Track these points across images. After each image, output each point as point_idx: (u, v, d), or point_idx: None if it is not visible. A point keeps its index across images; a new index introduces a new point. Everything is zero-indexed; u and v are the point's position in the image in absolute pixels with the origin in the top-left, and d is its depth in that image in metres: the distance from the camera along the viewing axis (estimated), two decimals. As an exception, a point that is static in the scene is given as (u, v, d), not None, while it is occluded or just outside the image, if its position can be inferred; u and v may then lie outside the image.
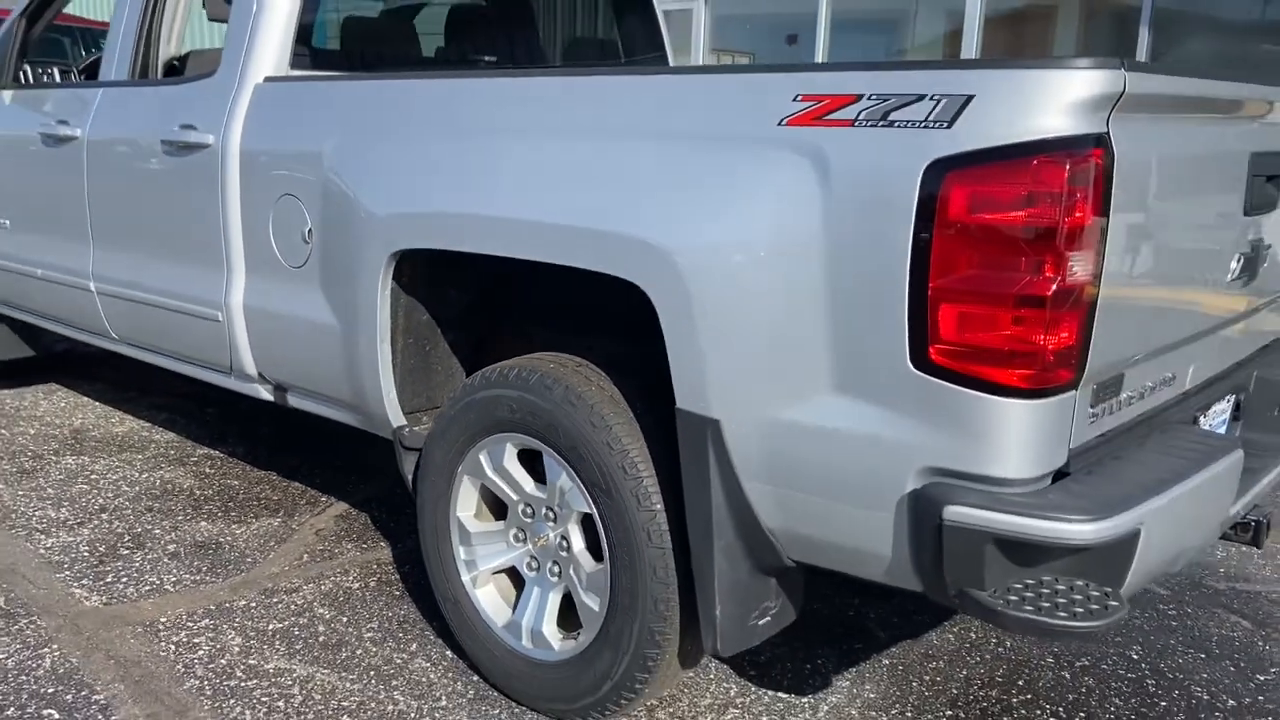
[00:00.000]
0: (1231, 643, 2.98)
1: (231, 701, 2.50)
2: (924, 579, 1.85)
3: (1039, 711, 2.60)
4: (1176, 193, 1.97)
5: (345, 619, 2.91)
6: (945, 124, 1.71)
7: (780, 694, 2.63)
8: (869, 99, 1.80)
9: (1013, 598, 1.76)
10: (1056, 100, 1.66)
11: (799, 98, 1.89)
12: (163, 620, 2.87)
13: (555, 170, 2.23)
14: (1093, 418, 1.88)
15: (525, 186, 2.28)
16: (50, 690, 2.52)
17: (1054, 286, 1.67)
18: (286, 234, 2.88)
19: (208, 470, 4.00)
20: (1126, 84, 1.67)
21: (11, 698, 2.48)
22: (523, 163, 2.31)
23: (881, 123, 1.78)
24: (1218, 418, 2.49)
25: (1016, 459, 1.75)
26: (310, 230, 2.80)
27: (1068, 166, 1.65)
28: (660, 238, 2.02)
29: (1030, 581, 1.79)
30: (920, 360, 1.77)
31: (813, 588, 3.09)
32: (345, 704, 2.51)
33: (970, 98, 1.70)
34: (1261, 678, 2.81)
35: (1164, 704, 2.66)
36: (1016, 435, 1.74)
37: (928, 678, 2.73)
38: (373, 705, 2.50)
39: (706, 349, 1.99)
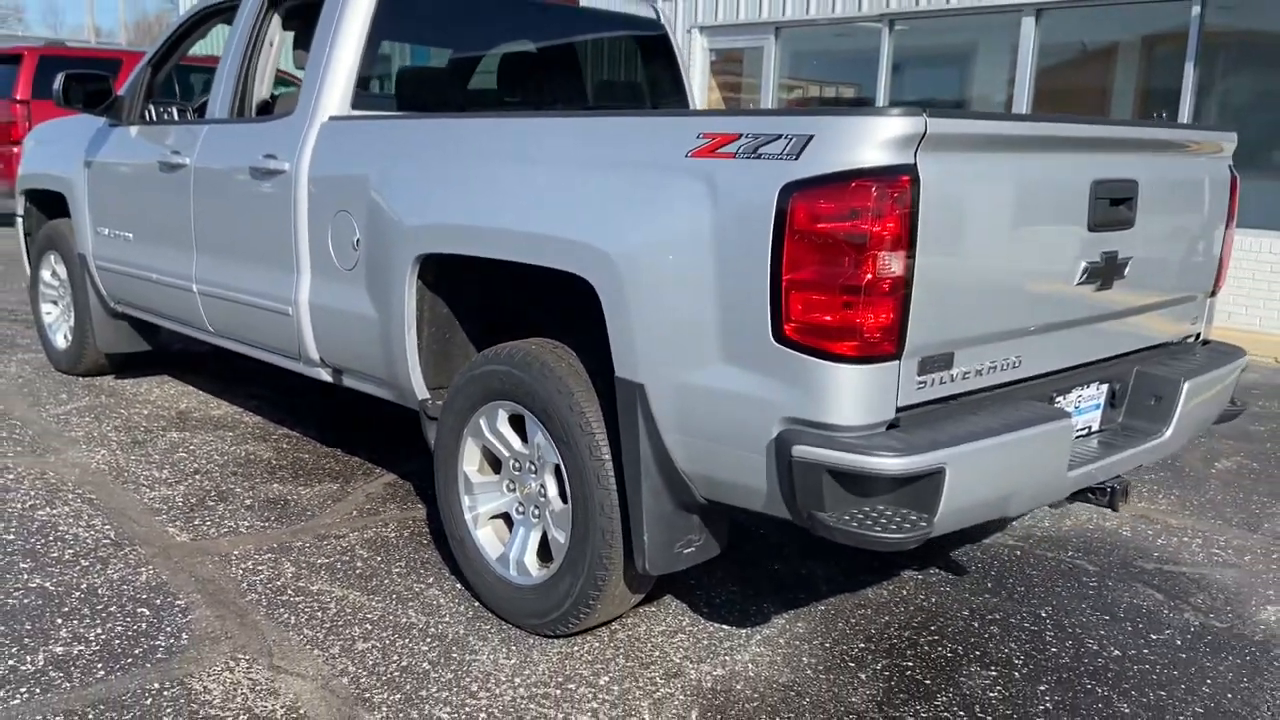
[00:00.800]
0: (1138, 610, 3.41)
1: (281, 610, 3.16)
2: (788, 506, 2.40)
3: (941, 649, 3.09)
4: (1001, 210, 2.48)
5: (379, 559, 3.55)
6: (794, 156, 2.27)
7: (724, 625, 3.17)
8: (745, 137, 2.38)
9: (845, 518, 2.29)
10: (873, 139, 2.21)
11: (701, 135, 2.47)
12: (235, 553, 3.56)
13: (529, 190, 2.86)
14: (920, 384, 2.41)
15: (507, 203, 2.91)
16: (144, 596, 3.22)
17: (868, 279, 2.22)
18: (341, 243, 3.56)
19: (284, 446, 4.72)
20: (928, 127, 2.22)
21: (115, 600, 3.18)
22: (506, 185, 2.94)
23: (753, 155, 2.35)
24: (1087, 401, 2.96)
25: (849, 410, 2.29)
26: (358, 240, 3.48)
27: (877, 189, 2.19)
28: (601, 242, 2.62)
29: (864, 506, 2.32)
30: (779, 336, 2.32)
31: (775, 551, 3.63)
32: (369, 616, 3.14)
33: (811, 136, 2.26)
34: (1155, 637, 3.24)
35: (1054, 650, 3.12)
36: (848, 392, 2.29)
37: (853, 621, 3.24)
38: (390, 618, 3.13)
39: (635, 328, 2.58)
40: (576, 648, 3.00)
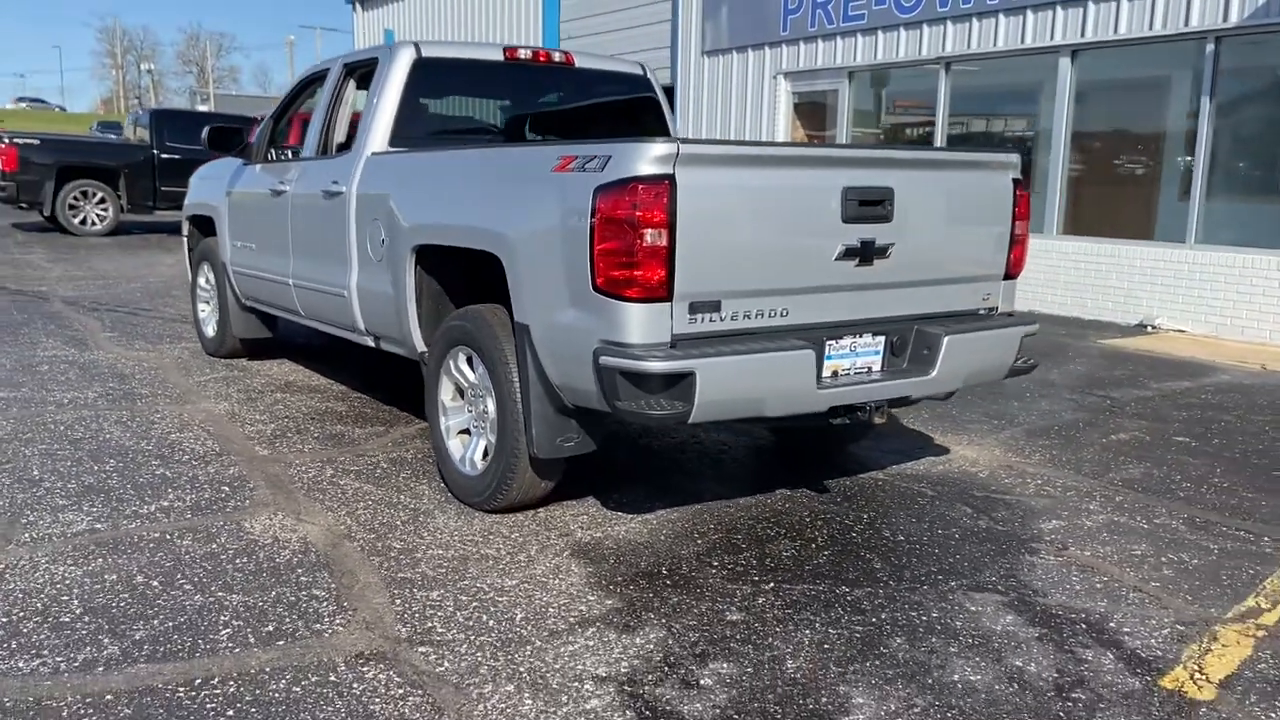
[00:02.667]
0: (942, 516, 4.46)
1: (315, 492, 4.56)
2: (603, 399, 3.64)
3: (766, 529, 4.24)
4: (755, 205, 3.67)
5: (394, 468, 4.94)
6: (601, 169, 3.54)
7: (618, 513, 4.40)
8: (580, 158, 3.66)
9: (631, 404, 3.52)
10: (645, 157, 3.46)
11: (559, 158, 3.77)
12: (296, 462, 5.01)
13: (469, 198, 4.23)
14: (692, 320, 3.61)
15: (458, 207, 4.28)
16: (227, 480, 4.69)
17: (643, 248, 3.46)
18: (374, 242, 5.00)
19: (355, 404, 6.20)
20: (680, 149, 3.46)
21: (209, 483, 4.66)
22: (458, 194, 4.32)
23: (582, 169, 3.63)
24: (863, 347, 4.07)
25: (635, 334, 3.52)
26: (383, 239, 4.91)
27: (646, 190, 3.43)
28: (502, 229, 3.95)
29: (645, 397, 3.54)
30: (595, 286, 3.57)
31: (687, 475, 4.76)
32: (372, 497, 4.51)
33: (610, 156, 3.53)
34: (940, 531, 4.29)
35: (854, 535, 4.22)
36: (634, 323, 3.52)
37: (715, 514, 4.42)
38: (386, 499, 4.49)
39: (522, 286, 3.89)
40: (505, 518, 4.29)
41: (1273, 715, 2.93)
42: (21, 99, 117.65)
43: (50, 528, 4.05)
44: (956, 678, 3.08)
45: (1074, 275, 10.52)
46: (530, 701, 2.88)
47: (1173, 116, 10.06)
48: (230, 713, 2.79)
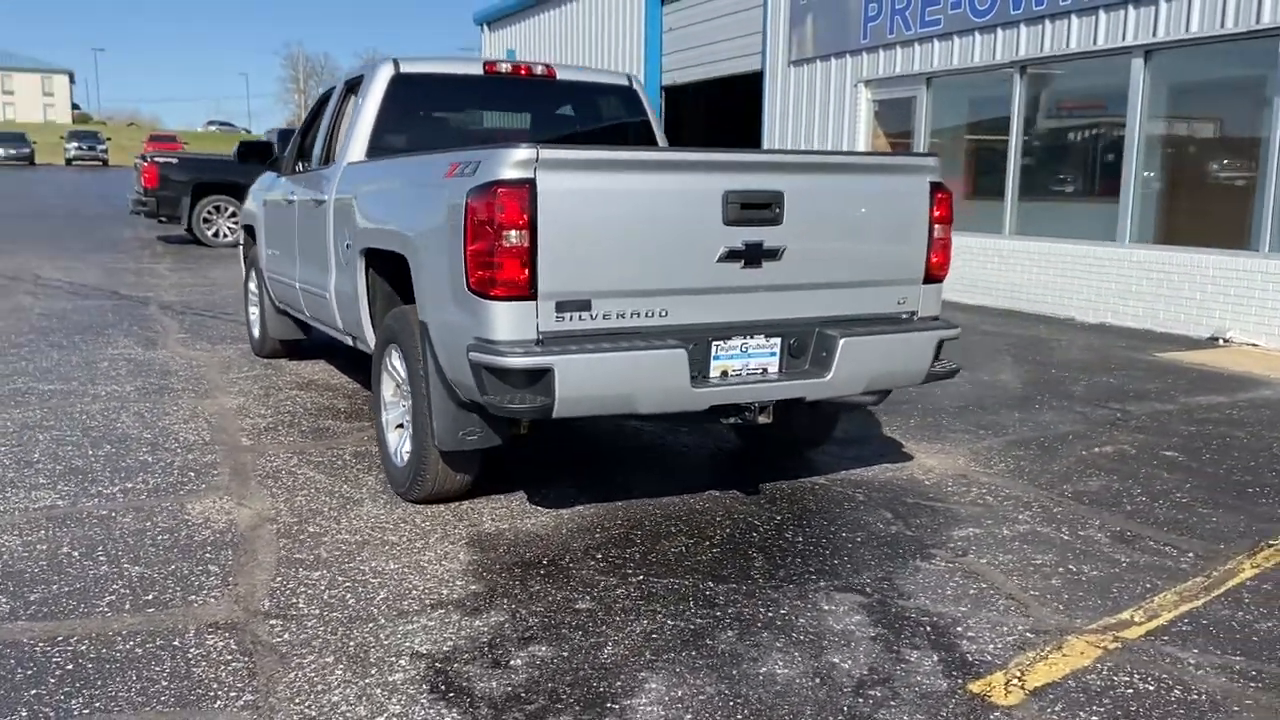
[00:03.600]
0: (858, 522, 4.45)
1: (269, 479, 4.89)
2: (477, 393, 3.82)
3: (670, 527, 4.33)
4: (625, 207, 3.78)
5: (353, 460, 5.23)
6: (473, 174, 3.74)
7: (538, 507, 4.57)
8: (461, 164, 3.86)
9: (498, 398, 3.69)
10: (508, 162, 3.63)
11: (449, 164, 3.98)
12: (269, 452, 5.36)
13: (390, 201, 4.48)
14: (560, 318, 3.75)
15: (384, 211, 4.54)
16: (199, 466, 5.06)
17: (505, 250, 3.63)
18: (342, 245, 5.32)
19: (358, 402, 6.55)
20: (539, 155, 3.62)
21: (181, 466, 5.04)
22: (386, 198, 4.58)
23: (461, 175, 3.83)
24: (757, 349, 4.12)
25: (502, 332, 3.70)
26: (347, 243, 5.22)
27: (508, 193, 3.60)
28: (406, 230, 4.19)
29: (510, 391, 3.71)
30: (469, 286, 3.77)
31: (619, 472, 4.84)
32: (316, 485, 4.80)
33: (480, 162, 3.72)
34: (844, 535, 4.29)
35: (754, 535, 4.27)
36: (500, 321, 3.70)
37: (633, 512, 4.53)
38: (327, 487, 4.78)
39: (422, 285, 4.11)
40: (425, 508, 4.51)
41: (1065, 723, 2.88)
42: (212, 122, 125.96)
43: (18, 502, 4.49)
44: (764, 670, 3.13)
45: (1146, 286, 10.08)
46: (339, 671, 3.08)
47: (1248, 119, 9.55)
48: (70, 666, 3.08)
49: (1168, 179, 10.34)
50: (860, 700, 2.97)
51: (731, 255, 3.98)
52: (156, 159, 17.81)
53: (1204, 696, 3.02)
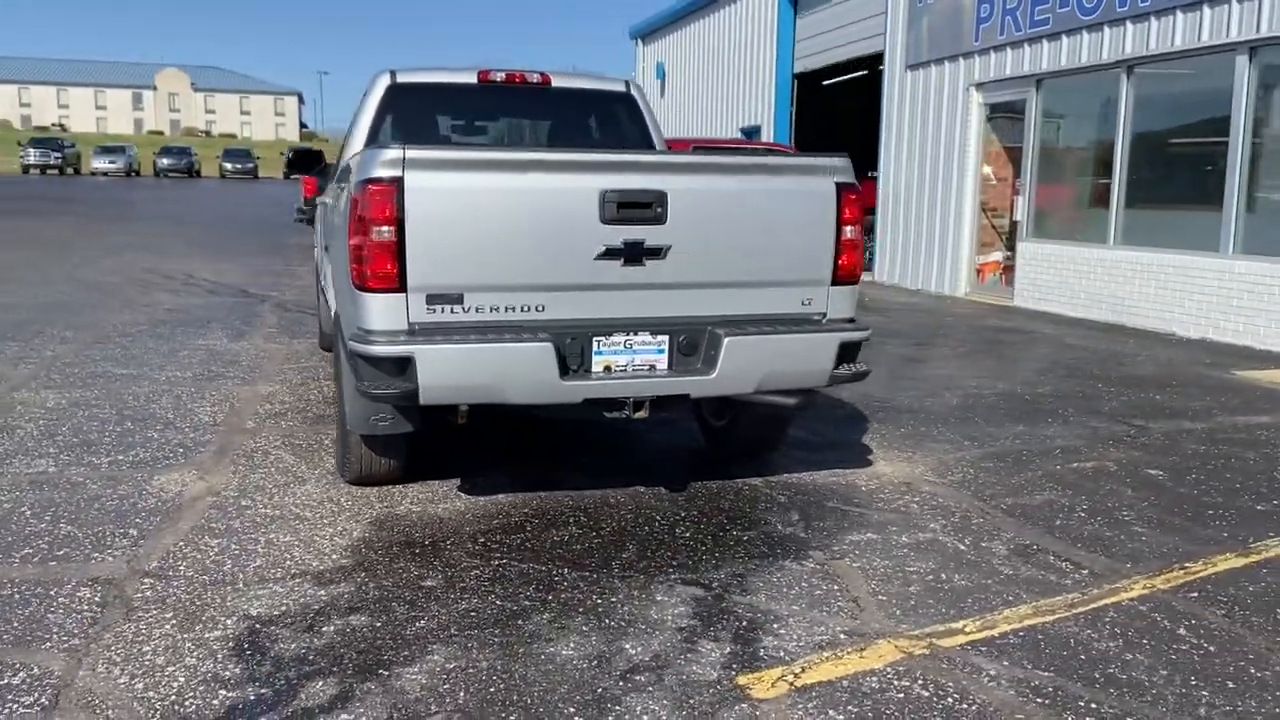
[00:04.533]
0: (759, 521, 4.46)
1: (243, 459, 5.29)
2: (357, 381, 4.07)
3: (569, 520, 4.46)
4: (498, 205, 3.95)
5: (330, 445, 5.59)
6: (360, 172, 4.00)
7: (460, 493, 4.78)
8: (379, 160, 4.12)
9: (369, 384, 3.94)
10: (380, 161, 3.88)
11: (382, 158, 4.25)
12: (263, 435, 5.79)
13: (335, 199, 4.79)
14: (430, 310, 3.96)
15: (331, 214, 4.86)
16: (191, 443, 5.54)
17: (377, 244, 3.88)
18: (323, 247, 5.70)
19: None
20: (406, 154, 3.85)
21: (169, 447, 5.53)
22: (336, 198, 4.90)
23: (376, 171, 4.08)
24: (642, 345, 4.20)
25: (375, 322, 3.95)
26: (326, 245, 5.59)
27: (378, 190, 3.85)
28: (328, 230, 4.49)
29: (381, 379, 3.94)
30: (350, 278, 4.03)
31: (556, 465, 5.00)
32: (279, 465, 5.18)
33: (363, 161, 3.97)
34: (735, 533, 4.31)
35: (644, 530, 4.35)
36: (373, 312, 3.94)
37: (547, 502, 4.68)
38: (290, 468, 5.14)
39: (334, 281, 4.41)
40: (358, 490, 4.80)
41: (807, 717, 2.87)
42: None
43: (15, 468, 5.04)
44: (550, 651, 3.23)
45: (1248, 300, 9.41)
46: (167, 627, 3.38)
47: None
48: (-49, 605, 3.51)
49: (1273, 186, 9.61)
50: (620, 683, 3.04)
51: (610, 253, 4.08)
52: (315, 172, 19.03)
53: (975, 707, 2.94)
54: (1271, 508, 4.74)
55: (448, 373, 3.92)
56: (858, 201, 4.41)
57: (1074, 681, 3.09)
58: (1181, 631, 3.44)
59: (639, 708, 2.91)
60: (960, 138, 13.47)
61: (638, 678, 3.08)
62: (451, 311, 4.01)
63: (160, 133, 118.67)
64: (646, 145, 6.42)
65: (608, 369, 4.19)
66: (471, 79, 6.13)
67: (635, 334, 4.21)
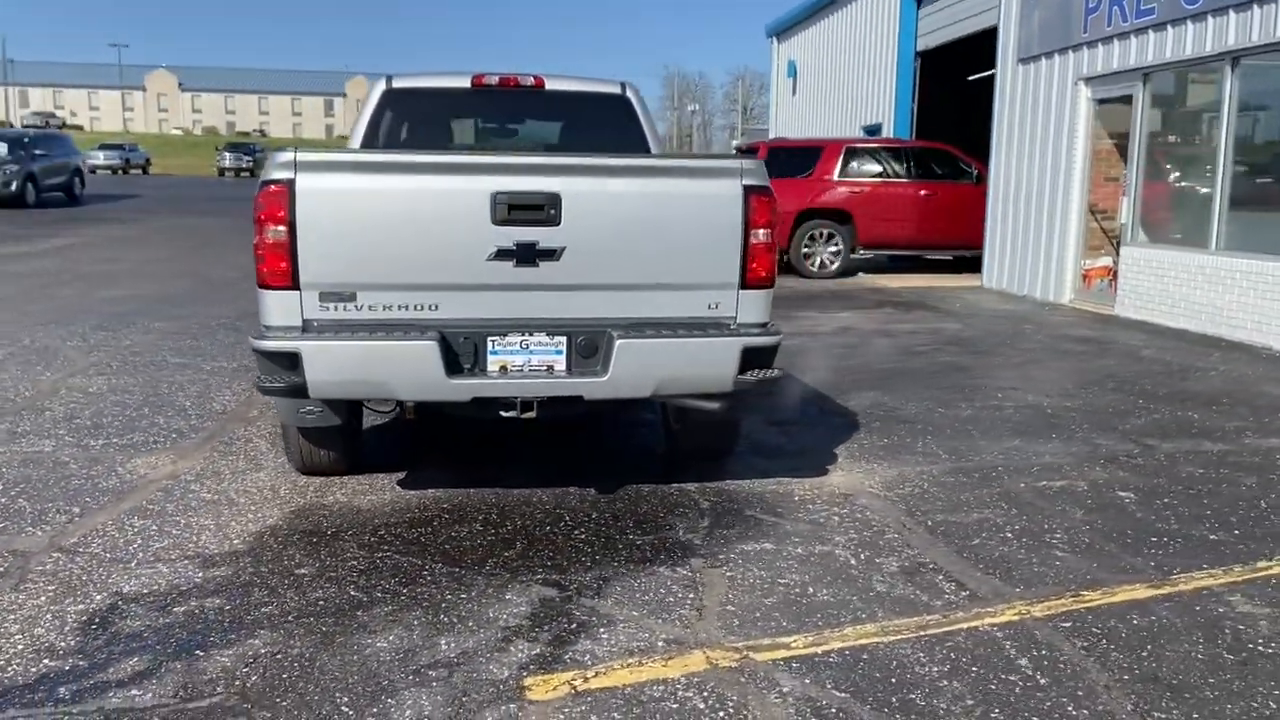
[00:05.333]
0: (663, 524, 4.43)
1: (222, 443, 5.61)
2: (259, 374, 4.25)
3: (477, 517, 4.54)
4: (387, 206, 4.07)
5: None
6: (277, 172, 4.18)
7: (396, 488, 4.93)
8: (275, 163, 4.32)
9: (266, 378, 4.13)
10: (277, 164, 4.06)
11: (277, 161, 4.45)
12: (259, 423, 6.10)
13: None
14: (324, 307, 4.11)
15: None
16: (179, 433, 5.90)
17: (270, 244, 4.06)
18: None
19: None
20: (297, 158, 4.02)
21: (166, 432, 5.90)
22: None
23: (272, 174, 4.28)
24: (538, 346, 4.24)
25: (272, 318, 4.13)
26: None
27: (272, 192, 4.03)
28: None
29: (276, 373, 4.12)
30: (259, 282, 4.23)
31: (489, 463, 5.09)
32: (250, 454, 5.46)
33: (268, 163, 4.16)
34: (630, 537, 4.30)
35: (543, 529, 4.39)
36: (270, 308, 4.13)
37: (471, 499, 4.77)
38: (260, 457, 5.42)
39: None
40: (300, 479, 5.00)
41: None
42: None
43: (16, 446, 5.49)
44: (367, 643, 3.33)
45: (1349, 309, 8.63)
46: (44, 598, 3.64)
47: None
48: (-124, 568, 3.88)
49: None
50: (409, 678, 3.10)
51: (502, 254, 4.13)
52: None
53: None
54: (1225, 538, 4.38)
55: (334, 368, 4.07)
56: (770, 205, 4.32)
57: (864, 705, 2.97)
58: (1023, 662, 3.24)
59: (410, 702, 2.97)
60: (1069, 134, 12.82)
61: (430, 673, 3.13)
62: (344, 309, 4.15)
63: (346, 137, 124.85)
64: (641, 147, 6.42)
65: (503, 369, 4.25)
66: (465, 83, 6.27)
67: (531, 335, 4.26)
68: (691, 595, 3.72)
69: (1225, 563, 4.09)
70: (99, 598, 3.65)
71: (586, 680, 3.10)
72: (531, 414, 4.23)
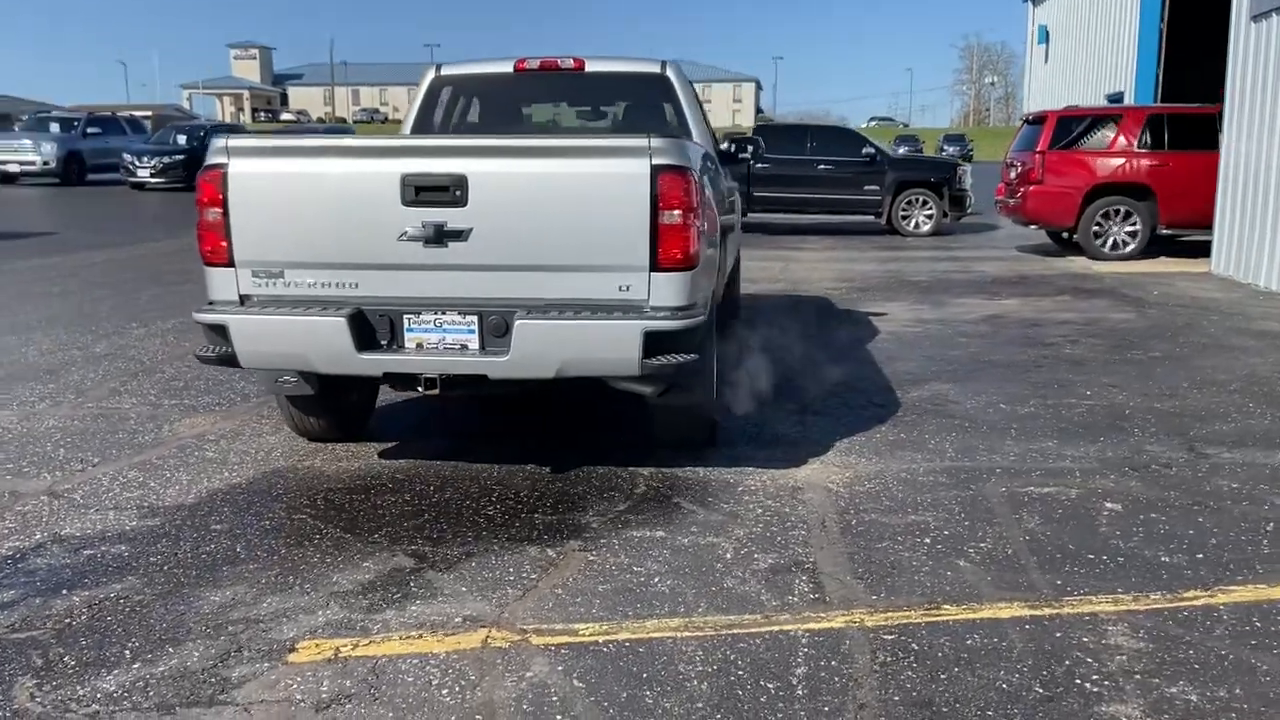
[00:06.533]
0: (575, 505, 4.44)
1: (263, 409, 6.12)
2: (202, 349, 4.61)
3: (410, 487, 4.73)
4: (307, 189, 4.31)
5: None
6: (214, 158, 4.54)
7: (383, 457, 5.21)
8: (213, 149, 4.64)
9: (206, 348, 4.50)
10: (217, 149, 4.41)
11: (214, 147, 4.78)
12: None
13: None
14: (257, 283, 4.41)
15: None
16: (237, 394, 6.47)
17: (208, 224, 4.41)
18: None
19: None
20: (229, 143, 4.35)
21: (221, 391, 6.49)
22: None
23: (211, 159, 4.62)
24: (452, 324, 4.36)
25: (213, 293, 4.49)
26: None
27: (207, 176, 4.38)
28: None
29: (216, 343, 4.47)
30: (202, 260, 4.58)
31: (504, 445, 5.28)
32: (278, 417, 5.93)
33: (211, 149, 4.51)
34: (540, 519, 4.35)
35: (460, 505, 4.53)
36: (212, 284, 4.49)
37: (427, 468, 4.98)
38: (253, 416, 5.88)
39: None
40: (298, 442, 5.38)
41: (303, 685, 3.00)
42: (873, 119, 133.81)
43: (107, 401, 6.23)
44: (200, 594, 3.60)
45: None
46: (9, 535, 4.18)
47: None
48: (-101, 499, 4.58)
49: None
50: (206, 629, 3.34)
51: (412, 235, 4.27)
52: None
53: (459, 701, 2.89)
54: (1179, 562, 3.83)
55: (257, 340, 4.37)
56: (684, 185, 4.19)
57: (589, 698, 2.91)
58: (800, 671, 3.05)
59: (184, 652, 3.19)
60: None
61: (227, 628, 3.35)
62: (274, 286, 4.44)
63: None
64: (680, 125, 6.36)
65: (420, 346, 4.40)
66: (508, 69, 6.45)
67: (444, 314, 4.37)
68: (534, 576, 3.73)
69: (1148, 589, 3.60)
70: (37, 536, 4.13)
71: (355, 648, 3.21)
72: (435, 391, 4.35)
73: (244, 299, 4.46)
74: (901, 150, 23.50)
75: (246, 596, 3.58)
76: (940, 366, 7.32)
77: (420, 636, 3.28)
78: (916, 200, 18.42)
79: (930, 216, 18.36)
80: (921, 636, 3.26)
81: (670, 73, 6.43)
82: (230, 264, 4.43)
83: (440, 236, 4.26)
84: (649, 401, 4.84)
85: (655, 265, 4.25)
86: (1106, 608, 3.45)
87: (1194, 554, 3.90)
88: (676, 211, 4.20)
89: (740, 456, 5.13)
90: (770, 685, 2.97)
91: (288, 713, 2.86)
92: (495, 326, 4.34)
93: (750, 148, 7.29)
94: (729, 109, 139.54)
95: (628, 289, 4.29)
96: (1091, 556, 3.89)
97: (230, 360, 4.43)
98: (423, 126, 6.56)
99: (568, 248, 4.27)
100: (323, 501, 4.54)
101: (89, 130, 31.64)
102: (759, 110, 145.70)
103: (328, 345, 4.34)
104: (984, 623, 3.35)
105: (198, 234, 4.48)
